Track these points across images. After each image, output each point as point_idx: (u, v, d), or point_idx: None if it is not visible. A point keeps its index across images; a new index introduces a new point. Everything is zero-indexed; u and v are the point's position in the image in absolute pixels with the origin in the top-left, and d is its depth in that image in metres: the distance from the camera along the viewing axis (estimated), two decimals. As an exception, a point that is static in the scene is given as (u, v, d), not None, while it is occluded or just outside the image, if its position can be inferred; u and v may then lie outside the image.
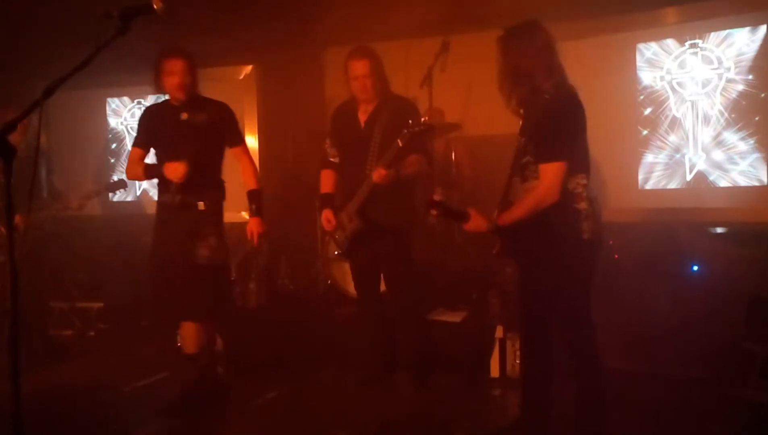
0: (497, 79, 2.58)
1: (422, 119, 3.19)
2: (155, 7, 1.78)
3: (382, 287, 3.66)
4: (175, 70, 3.25)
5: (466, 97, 5.16)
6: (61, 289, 5.11)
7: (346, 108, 3.56)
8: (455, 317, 3.96)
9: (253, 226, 3.44)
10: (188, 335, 3.46)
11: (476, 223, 2.57)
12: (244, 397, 3.56)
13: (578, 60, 4.52)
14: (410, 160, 3.30)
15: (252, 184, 3.50)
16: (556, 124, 2.44)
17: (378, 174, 3.21)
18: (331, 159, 3.60)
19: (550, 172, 2.42)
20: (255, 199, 3.49)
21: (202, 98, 3.42)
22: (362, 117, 3.46)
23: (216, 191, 3.43)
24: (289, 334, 4.25)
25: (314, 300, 4.69)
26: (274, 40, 5.25)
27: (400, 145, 3.17)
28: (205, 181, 3.34)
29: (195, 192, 3.29)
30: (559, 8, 4.37)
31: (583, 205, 2.47)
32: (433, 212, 2.60)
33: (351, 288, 3.90)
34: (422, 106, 4.58)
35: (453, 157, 4.72)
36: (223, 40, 5.25)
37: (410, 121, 3.16)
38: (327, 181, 3.62)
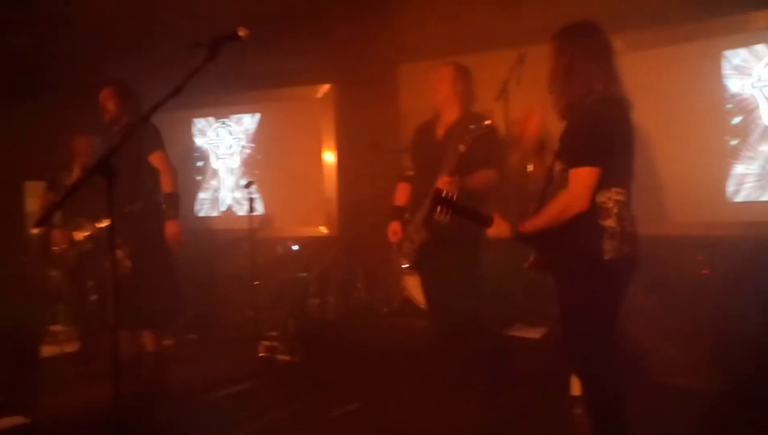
0: (548, 80, 2.48)
1: (484, 122, 3.16)
2: (241, 34, 1.89)
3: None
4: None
5: (542, 109, 5.08)
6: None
7: (427, 124, 3.63)
8: (534, 333, 3.89)
9: (169, 229, 3.77)
10: None
11: (499, 228, 2.43)
12: (323, 408, 3.61)
13: (660, 69, 4.42)
14: (479, 174, 3.30)
15: (168, 188, 3.77)
16: (591, 127, 2.27)
17: (442, 181, 3.19)
18: (408, 172, 3.66)
19: (579, 178, 2.24)
20: (170, 202, 3.80)
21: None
22: (440, 130, 3.51)
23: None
24: (367, 345, 4.30)
25: (390, 313, 4.73)
26: (350, 58, 5.37)
27: (462, 150, 3.15)
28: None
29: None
30: (639, 17, 4.26)
31: (609, 222, 2.26)
32: (439, 210, 2.40)
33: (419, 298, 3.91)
34: (498, 120, 4.57)
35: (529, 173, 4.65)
36: (300, 60, 5.42)
37: (471, 126, 3.13)
38: (401, 194, 3.67)
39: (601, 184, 2.25)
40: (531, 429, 3.25)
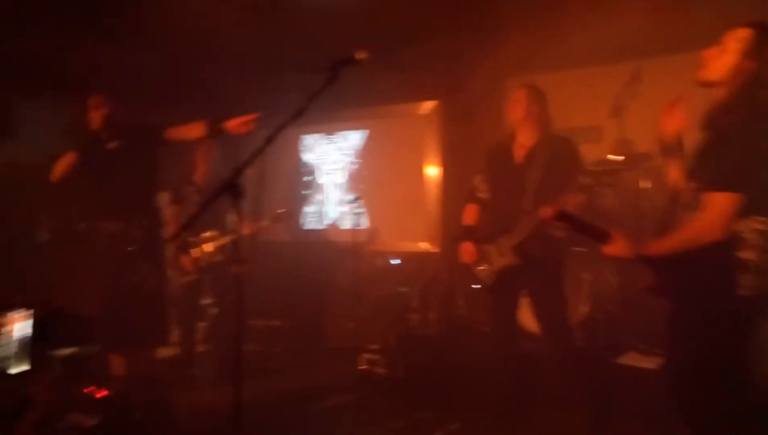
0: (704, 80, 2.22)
1: (612, 157, 3.07)
2: (359, 57, 1.94)
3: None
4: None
5: (655, 125, 4.84)
6: (255, 308, 5.59)
7: (502, 145, 3.60)
8: (649, 363, 3.67)
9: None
10: None
11: (618, 247, 2.24)
12: (427, 427, 3.59)
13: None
14: (573, 200, 3.20)
15: None
16: (741, 145, 2.00)
17: (546, 212, 3.13)
18: (479, 194, 3.65)
19: (718, 204, 2.01)
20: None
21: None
22: (518, 152, 3.47)
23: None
24: (468, 365, 4.24)
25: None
26: (456, 74, 5.37)
27: (581, 184, 3.09)
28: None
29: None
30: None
31: (749, 255, 2.02)
32: (560, 225, 2.37)
33: (528, 322, 3.81)
34: (610, 137, 4.40)
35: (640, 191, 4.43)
36: (406, 77, 5.48)
37: (608, 157, 3.05)
38: (471, 215, 3.67)
39: (742, 212, 2.02)
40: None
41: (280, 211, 4.90)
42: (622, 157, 3.10)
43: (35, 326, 2.10)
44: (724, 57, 2.16)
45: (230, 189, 1.70)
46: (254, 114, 2.98)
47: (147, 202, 3.75)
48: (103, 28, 4.47)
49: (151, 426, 3.26)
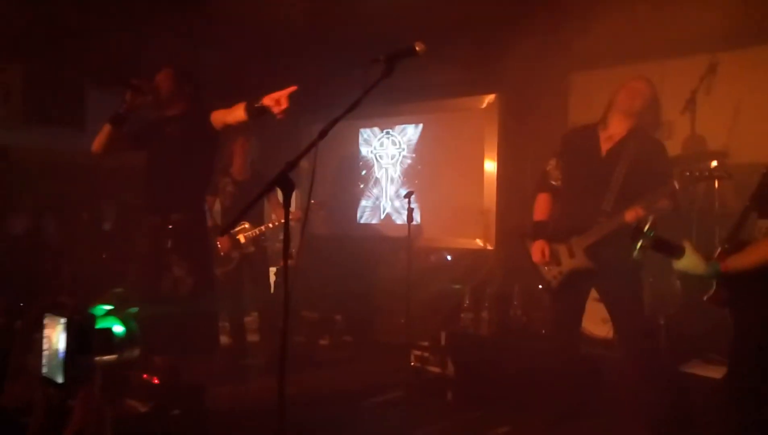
0: None
1: (713, 163, 2.89)
2: (418, 49, 1.87)
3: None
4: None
5: (732, 121, 4.58)
6: (311, 301, 5.63)
7: (587, 133, 3.31)
8: (715, 372, 3.48)
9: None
10: None
11: (691, 261, 2.15)
12: (473, 428, 3.53)
13: None
14: (661, 205, 3.02)
15: None
16: None
17: (635, 213, 2.95)
18: (552, 181, 3.39)
19: None
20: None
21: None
22: (604, 145, 3.22)
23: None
24: (521, 367, 4.12)
25: (549, 335, 4.49)
26: (517, 67, 5.22)
27: (677, 187, 2.89)
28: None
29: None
30: None
31: None
32: (640, 244, 2.23)
33: (589, 326, 3.68)
34: (682, 133, 4.19)
35: (715, 190, 4.20)
36: (465, 71, 5.38)
37: (712, 163, 2.88)
38: (543, 207, 3.41)
39: None
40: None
41: (312, 201, 4.81)
42: (716, 163, 2.89)
43: (72, 333, 2.04)
44: None
45: (281, 182, 1.66)
46: (290, 88, 2.67)
47: (193, 195, 3.43)
48: (174, 21, 4.54)
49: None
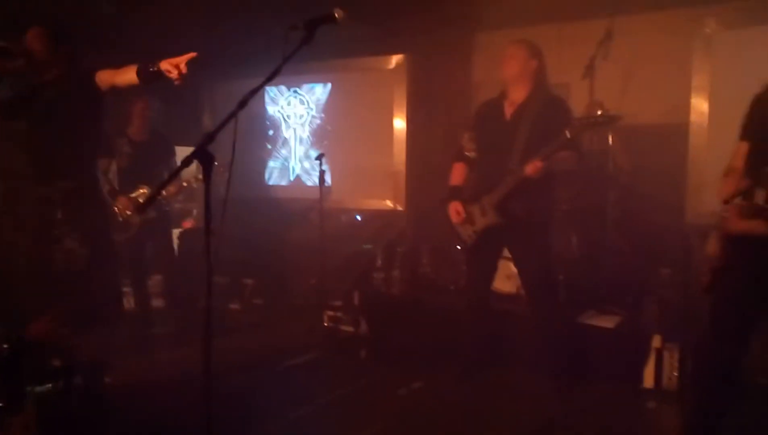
0: None
1: (598, 111, 3.04)
2: (337, 16, 1.84)
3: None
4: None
5: (624, 85, 4.86)
6: (219, 265, 5.49)
7: (493, 103, 3.51)
8: (608, 322, 3.77)
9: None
10: None
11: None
12: (390, 385, 3.62)
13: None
14: (563, 156, 3.19)
15: None
16: None
17: (534, 166, 3.11)
18: (467, 153, 3.57)
19: None
20: None
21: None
22: (508, 110, 3.40)
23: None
24: (432, 323, 4.28)
25: (457, 290, 4.66)
26: (424, 27, 5.23)
27: (569, 136, 3.04)
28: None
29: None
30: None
31: None
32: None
33: (496, 283, 3.85)
34: (580, 96, 4.39)
35: (610, 149, 4.47)
36: (373, 30, 5.32)
37: (598, 111, 3.04)
38: (458, 174, 3.59)
39: None
40: (601, 421, 3.17)
41: (215, 163, 4.70)
42: (600, 112, 3.07)
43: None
44: None
45: (200, 156, 1.60)
46: (189, 54, 2.54)
47: (81, 161, 3.19)
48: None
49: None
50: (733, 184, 2.21)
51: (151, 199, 3.74)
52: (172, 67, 2.57)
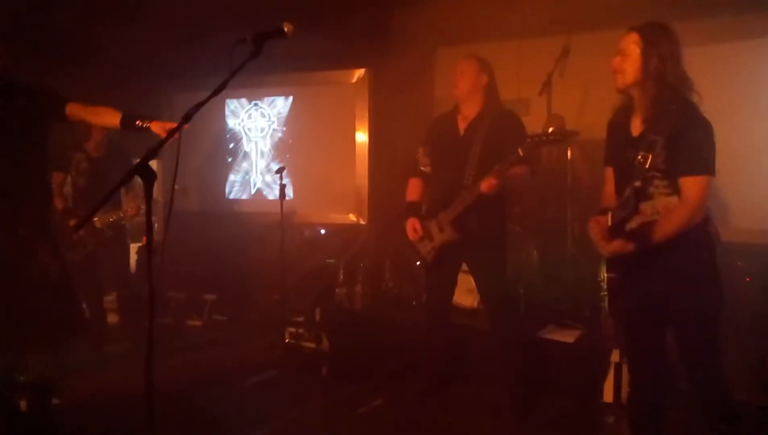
0: (628, 74, 2.30)
1: (550, 129, 3.05)
2: (286, 30, 1.81)
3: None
4: None
5: (583, 101, 4.94)
6: (178, 281, 5.38)
7: (447, 118, 3.52)
8: (568, 337, 3.79)
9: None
10: None
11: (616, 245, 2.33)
12: (351, 403, 3.57)
13: (708, 66, 4.22)
14: (516, 171, 3.19)
15: None
16: (706, 133, 2.21)
17: (488, 183, 3.10)
18: (422, 168, 3.56)
19: (698, 187, 2.18)
20: None
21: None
22: (462, 124, 3.41)
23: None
24: (393, 339, 4.24)
25: (419, 306, 4.64)
26: (386, 42, 5.25)
27: (521, 154, 3.04)
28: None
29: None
30: (690, 8, 4.06)
31: (712, 228, 2.28)
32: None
33: (456, 297, 3.84)
34: (539, 112, 4.44)
35: (568, 163, 4.52)
36: (335, 44, 5.31)
37: (549, 129, 3.02)
38: (414, 190, 3.57)
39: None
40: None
41: (176, 187, 4.63)
42: (552, 129, 3.08)
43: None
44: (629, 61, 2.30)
45: (142, 172, 1.55)
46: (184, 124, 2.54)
47: (38, 177, 3.11)
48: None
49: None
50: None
51: (83, 222, 3.54)
52: (164, 131, 2.54)
